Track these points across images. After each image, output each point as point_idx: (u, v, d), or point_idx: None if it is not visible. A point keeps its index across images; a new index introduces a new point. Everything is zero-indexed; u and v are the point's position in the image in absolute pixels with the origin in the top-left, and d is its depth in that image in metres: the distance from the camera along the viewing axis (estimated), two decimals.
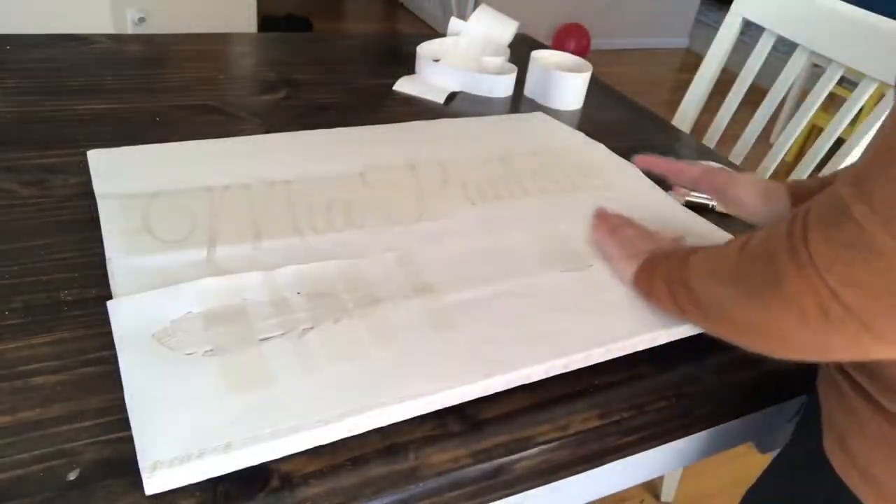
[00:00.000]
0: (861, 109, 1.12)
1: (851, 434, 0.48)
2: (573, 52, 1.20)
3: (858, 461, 0.47)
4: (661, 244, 0.67)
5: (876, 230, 0.35)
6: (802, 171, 1.12)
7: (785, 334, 0.44)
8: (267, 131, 0.89)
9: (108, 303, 0.56)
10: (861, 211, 0.36)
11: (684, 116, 1.28)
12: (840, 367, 0.51)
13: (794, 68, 1.14)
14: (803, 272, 0.39)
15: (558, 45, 3.44)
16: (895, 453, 0.45)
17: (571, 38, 3.57)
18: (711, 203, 0.87)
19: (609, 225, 0.70)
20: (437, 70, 1.11)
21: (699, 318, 0.56)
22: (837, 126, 1.08)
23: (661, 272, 0.60)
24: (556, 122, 1.03)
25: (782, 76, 1.15)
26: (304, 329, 0.56)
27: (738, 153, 1.20)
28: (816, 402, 0.56)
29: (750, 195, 0.73)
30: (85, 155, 0.75)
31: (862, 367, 0.48)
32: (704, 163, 0.85)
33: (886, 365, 0.45)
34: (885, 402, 0.46)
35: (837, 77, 1.09)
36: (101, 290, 0.59)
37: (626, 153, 0.95)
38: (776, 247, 0.43)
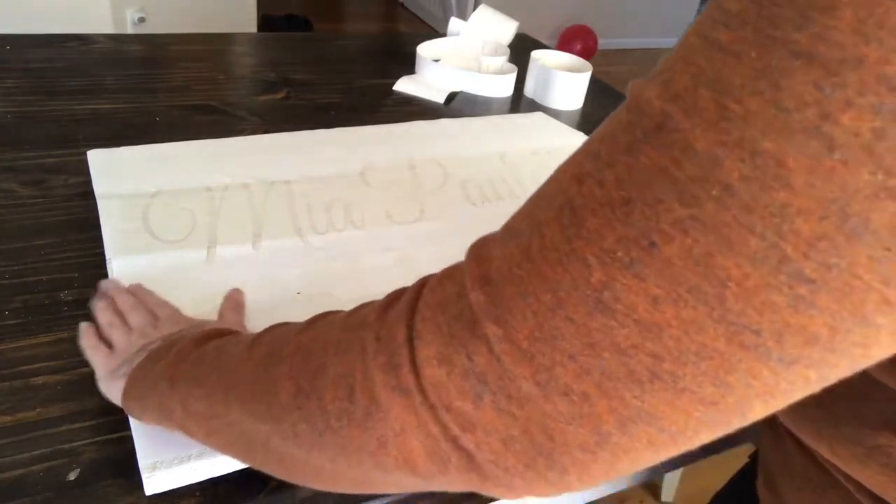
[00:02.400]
0: None
1: (779, 473, 0.45)
2: (580, 55, 1.20)
3: (785, 503, 0.44)
4: (168, 328, 0.50)
5: (515, 367, 0.25)
6: None
7: (373, 479, 0.31)
8: (267, 131, 0.89)
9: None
10: (495, 333, 0.25)
11: None
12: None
13: None
14: (408, 403, 0.27)
15: (564, 46, 3.44)
16: (821, 497, 0.41)
17: (578, 39, 3.56)
18: None
19: (105, 320, 0.53)
20: (437, 70, 1.11)
21: (224, 452, 0.39)
22: None
23: (148, 386, 0.43)
24: (556, 122, 1.03)
25: None
26: None
27: None
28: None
29: None
30: (85, 155, 0.75)
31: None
32: None
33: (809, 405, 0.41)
34: (823, 455, 0.40)
35: None
36: None
37: None
38: (362, 360, 0.29)
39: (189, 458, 0.45)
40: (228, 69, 1.09)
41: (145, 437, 0.46)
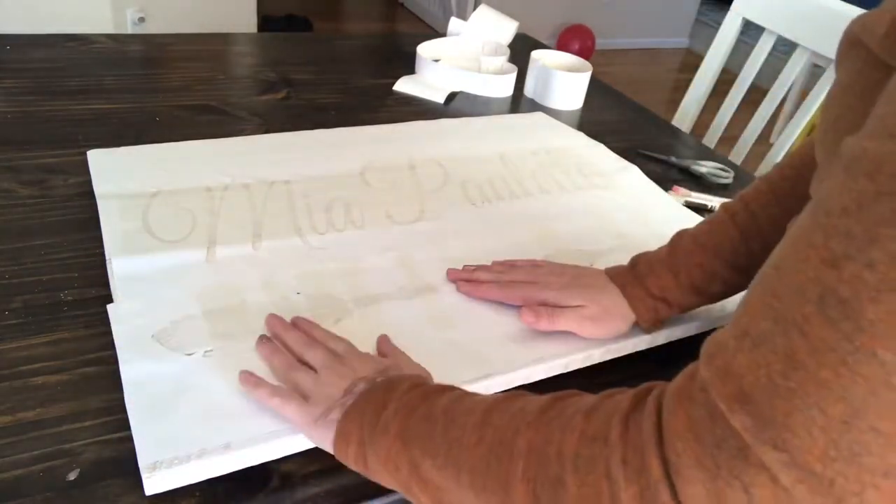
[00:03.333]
0: None
1: None
2: (577, 55, 1.20)
3: None
4: (369, 369, 0.48)
5: (812, 496, 0.22)
6: None
7: None
8: (267, 131, 0.89)
9: (109, 306, 0.56)
10: (777, 460, 0.22)
11: (684, 116, 1.28)
12: None
13: (794, 68, 1.14)
14: None
15: (563, 46, 3.44)
16: None
17: (576, 39, 3.56)
18: (711, 203, 0.87)
19: (282, 364, 0.50)
20: (437, 70, 1.11)
21: None
22: None
23: (369, 436, 0.42)
24: (556, 122, 1.03)
25: (782, 76, 1.15)
26: None
27: (738, 153, 1.20)
28: None
29: (583, 329, 0.58)
30: (85, 155, 0.75)
31: None
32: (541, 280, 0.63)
33: None
34: None
35: None
36: (101, 290, 0.59)
37: (626, 153, 0.95)
38: (607, 483, 0.27)
39: (189, 458, 0.45)
40: (228, 69, 1.09)
41: (145, 437, 0.46)
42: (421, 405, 0.40)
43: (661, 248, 0.61)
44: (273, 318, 0.55)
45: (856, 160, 0.23)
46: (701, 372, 0.26)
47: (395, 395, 0.42)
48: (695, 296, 0.58)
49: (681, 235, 0.61)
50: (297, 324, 0.55)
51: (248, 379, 0.49)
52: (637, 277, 0.59)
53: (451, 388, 0.43)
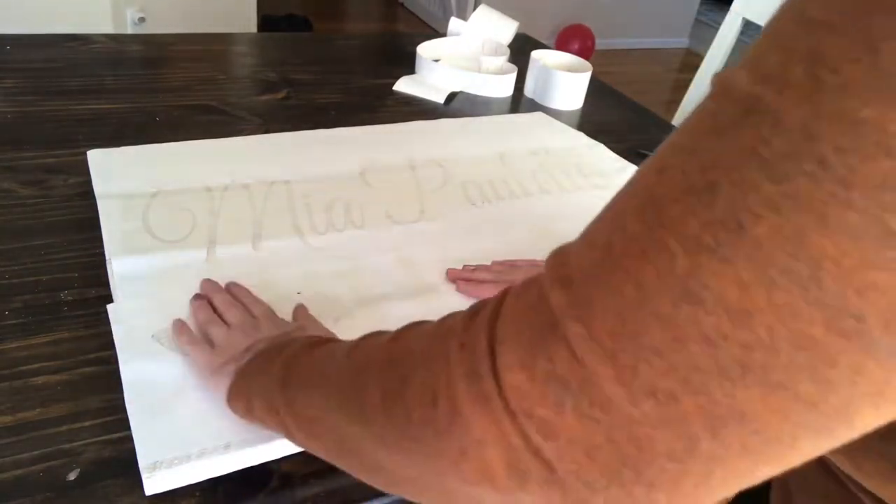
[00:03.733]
0: None
1: (797, 490, 0.44)
2: (577, 55, 1.20)
3: None
4: (270, 331, 0.51)
5: (598, 367, 0.24)
6: None
7: (453, 490, 0.30)
8: (267, 131, 0.89)
9: (109, 306, 0.56)
10: (577, 333, 0.24)
11: (684, 116, 1.28)
12: None
13: None
14: (489, 412, 0.26)
15: (562, 46, 3.44)
16: None
17: (576, 39, 3.56)
18: None
19: (203, 317, 0.55)
20: (437, 70, 1.11)
21: (322, 456, 0.39)
22: None
23: (258, 385, 0.44)
24: (556, 122, 1.03)
25: None
26: None
27: None
28: None
29: None
30: (85, 155, 0.75)
31: None
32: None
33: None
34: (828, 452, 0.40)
35: None
36: (101, 290, 0.59)
37: (626, 153, 0.95)
38: (446, 367, 0.29)
39: (189, 458, 0.45)
40: (228, 69, 1.09)
41: (145, 437, 0.46)
42: (305, 355, 0.42)
43: None
44: (207, 282, 0.59)
45: (713, 84, 0.26)
46: (545, 263, 0.29)
47: (287, 351, 0.44)
48: None
49: None
50: (228, 288, 0.59)
51: (177, 326, 0.54)
52: None
53: (336, 340, 0.45)
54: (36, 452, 0.46)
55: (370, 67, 1.18)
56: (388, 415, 0.31)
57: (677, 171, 0.24)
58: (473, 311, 0.30)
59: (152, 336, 0.53)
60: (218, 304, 0.56)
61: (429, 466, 0.30)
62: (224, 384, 0.47)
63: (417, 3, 4.07)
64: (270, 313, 0.55)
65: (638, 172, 0.27)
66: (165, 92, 0.97)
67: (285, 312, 0.57)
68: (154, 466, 0.44)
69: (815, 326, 0.20)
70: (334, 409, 0.36)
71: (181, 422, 0.47)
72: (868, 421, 0.22)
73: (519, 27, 1.23)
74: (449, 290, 0.63)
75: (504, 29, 1.21)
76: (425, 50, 1.17)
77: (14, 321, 0.55)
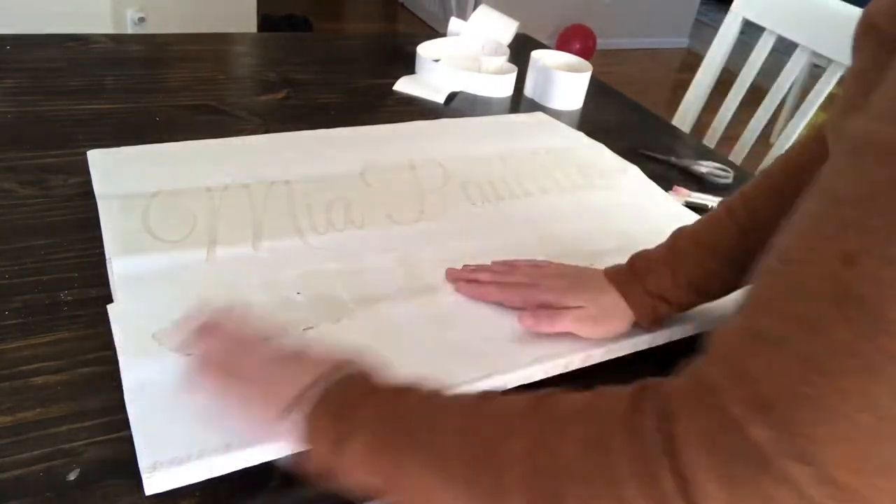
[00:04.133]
0: None
1: None
2: (578, 55, 1.20)
3: None
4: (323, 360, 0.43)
5: (822, 500, 0.21)
6: None
7: None
8: (267, 131, 0.89)
9: (109, 306, 0.56)
10: (803, 473, 0.21)
11: (684, 116, 1.28)
12: None
13: (794, 68, 1.14)
14: None
15: (563, 46, 3.43)
16: None
17: (576, 39, 3.56)
18: (711, 204, 0.87)
19: (222, 352, 0.47)
20: (437, 70, 1.11)
21: None
22: None
23: (362, 428, 0.38)
24: (556, 122, 1.03)
25: (782, 76, 1.15)
26: (304, 329, 0.56)
27: (738, 153, 1.20)
28: None
29: (583, 330, 0.57)
30: (85, 155, 0.75)
31: None
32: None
33: None
34: None
35: (837, 77, 1.09)
36: (101, 290, 0.59)
37: (626, 153, 0.95)
38: (614, 496, 0.25)
39: (189, 458, 0.45)
40: (228, 69, 1.09)
41: (145, 437, 0.46)
42: (394, 404, 0.38)
43: (659, 247, 0.61)
44: (205, 323, 0.49)
45: (866, 144, 0.22)
46: (709, 372, 0.25)
47: (360, 391, 0.40)
48: (693, 294, 0.59)
49: (679, 233, 0.61)
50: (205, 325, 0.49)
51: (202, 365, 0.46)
52: (635, 276, 0.59)
53: (416, 386, 0.40)
54: (36, 452, 0.46)
55: (370, 67, 1.17)
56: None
57: (878, 261, 0.20)
58: (628, 416, 0.26)
59: (152, 336, 0.53)
60: (218, 343, 0.48)
61: None
62: (297, 433, 0.40)
63: (417, 3, 4.07)
64: (310, 349, 0.46)
65: (799, 242, 0.23)
66: (165, 92, 0.97)
67: (286, 313, 0.57)
68: (154, 466, 0.44)
69: None
70: (462, 498, 0.32)
71: (181, 422, 0.47)
72: None
73: (519, 27, 1.23)
74: (449, 290, 0.63)
75: (504, 29, 1.21)
76: (425, 50, 1.17)
77: (14, 321, 0.55)
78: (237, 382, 0.45)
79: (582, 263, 0.67)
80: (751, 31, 1.21)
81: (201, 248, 0.64)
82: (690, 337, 0.63)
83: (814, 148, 0.55)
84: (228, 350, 0.47)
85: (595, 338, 0.58)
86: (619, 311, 0.58)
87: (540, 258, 0.68)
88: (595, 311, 0.58)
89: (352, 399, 0.39)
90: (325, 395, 0.40)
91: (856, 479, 0.20)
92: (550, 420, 0.31)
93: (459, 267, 0.66)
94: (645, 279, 0.58)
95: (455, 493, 0.32)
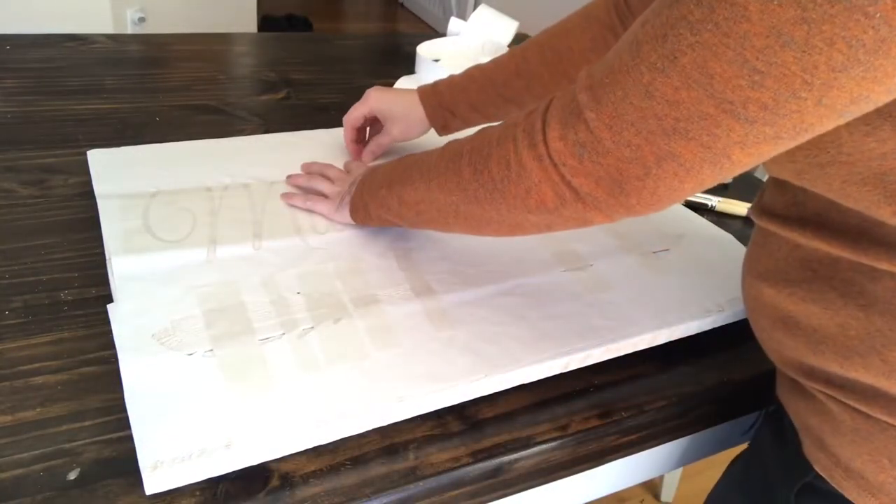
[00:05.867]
0: None
1: (828, 434, 0.47)
2: None
3: (840, 459, 0.46)
4: (355, 173, 0.72)
5: (601, 134, 0.40)
6: None
7: (521, 221, 0.49)
8: (267, 131, 0.89)
9: (109, 306, 0.56)
10: (591, 117, 0.40)
11: None
12: (809, 377, 0.48)
13: None
14: (542, 165, 0.44)
15: None
16: (873, 446, 0.44)
17: None
18: (711, 202, 0.87)
19: (300, 188, 0.75)
20: (437, 70, 1.11)
21: (425, 226, 0.60)
22: None
23: (369, 196, 0.63)
24: None
25: None
26: (304, 329, 0.56)
27: None
28: (776, 413, 0.54)
29: (407, 128, 0.81)
30: (85, 155, 0.75)
31: (832, 383, 0.46)
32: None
33: (863, 378, 0.44)
34: (862, 408, 0.44)
35: None
36: (101, 290, 0.59)
37: None
38: (514, 145, 0.46)
39: (189, 458, 0.45)
40: (228, 69, 1.09)
41: (145, 437, 0.46)
42: (398, 165, 0.60)
43: (466, 70, 0.80)
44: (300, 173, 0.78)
45: None
46: (577, 84, 0.43)
47: (382, 168, 0.63)
48: (474, 113, 0.78)
49: (476, 67, 0.79)
50: (303, 167, 0.79)
51: (287, 195, 0.73)
52: (435, 92, 0.79)
53: (410, 153, 0.61)
54: (36, 452, 0.46)
55: (370, 67, 1.18)
56: (478, 181, 0.49)
57: (689, 4, 0.35)
58: (529, 111, 0.46)
59: (152, 336, 0.53)
60: (308, 175, 0.76)
61: (506, 206, 0.48)
62: (346, 209, 0.67)
63: (417, 3, 4.07)
64: (354, 163, 0.80)
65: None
66: (165, 92, 0.97)
67: (286, 312, 0.57)
68: (154, 466, 0.44)
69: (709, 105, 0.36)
70: (435, 189, 0.54)
71: (181, 421, 0.47)
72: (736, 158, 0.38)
73: (519, 27, 1.23)
74: (449, 290, 0.63)
75: (504, 29, 1.21)
76: (425, 50, 1.17)
77: (14, 321, 0.55)
78: (314, 193, 0.73)
79: (582, 264, 0.67)
80: None
81: (201, 248, 0.64)
82: (691, 337, 0.64)
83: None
84: (308, 177, 0.76)
85: (403, 138, 0.81)
86: (416, 115, 0.80)
87: (540, 259, 0.68)
88: (397, 111, 0.80)
89: (369, 186, 0.64)
90: (356, 188, 0.66)
91: (612, 120, 0.40)
92: (484, 132, 0.51)
93: (460, 269, 0.66)
94: (442, 95, 0.79)
95: (439, 191, 0.53)
